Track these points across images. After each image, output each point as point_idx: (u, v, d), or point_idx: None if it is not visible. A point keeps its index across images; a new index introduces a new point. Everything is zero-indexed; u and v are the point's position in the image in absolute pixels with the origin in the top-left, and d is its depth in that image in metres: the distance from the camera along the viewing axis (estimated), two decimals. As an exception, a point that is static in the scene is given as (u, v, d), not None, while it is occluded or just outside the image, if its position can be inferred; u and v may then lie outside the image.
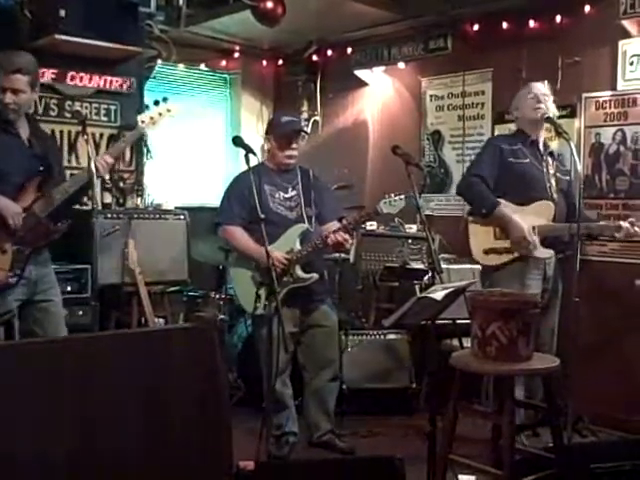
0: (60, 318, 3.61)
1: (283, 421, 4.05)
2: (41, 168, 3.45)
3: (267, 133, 4.18)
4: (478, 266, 4.29)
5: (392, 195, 3.76)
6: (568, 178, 4.28)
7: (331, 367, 4.15)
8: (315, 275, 3.94)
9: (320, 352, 4.10)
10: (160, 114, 3.69)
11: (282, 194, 4.04)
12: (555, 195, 4.09)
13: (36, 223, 3.40)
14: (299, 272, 3.92)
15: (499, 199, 4.01)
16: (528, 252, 3.95)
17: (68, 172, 4.30)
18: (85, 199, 3.84)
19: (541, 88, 4.15)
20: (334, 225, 4.02)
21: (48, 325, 3.53)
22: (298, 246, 3.93)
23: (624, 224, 3.93)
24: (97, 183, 3.58)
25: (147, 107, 3.75)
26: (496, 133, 5.21)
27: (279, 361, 3.69)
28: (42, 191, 3.44)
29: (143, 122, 3.68)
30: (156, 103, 3.71)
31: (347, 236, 3.84)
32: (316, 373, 4.12)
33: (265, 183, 4.01)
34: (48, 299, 3.55)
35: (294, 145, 4.03)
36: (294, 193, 4.06)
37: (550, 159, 4.19)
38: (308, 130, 5.14)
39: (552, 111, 4.10)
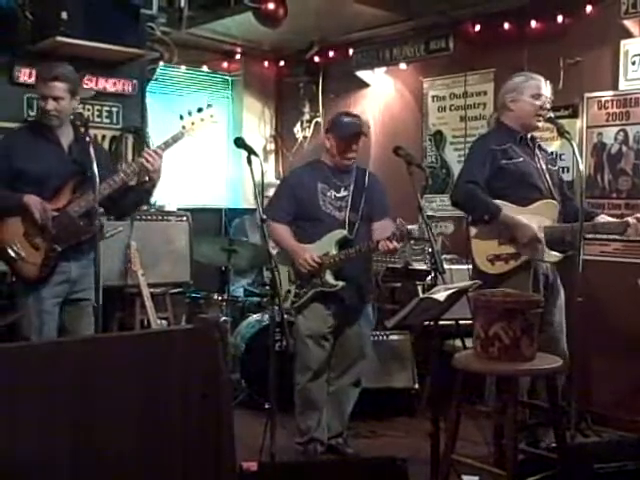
0: (91, 317, 3.66)
1: (313, 424, 4.00)
2: (88, 173, 3.50)
3: (327, 132, 4.13)
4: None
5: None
6: (557, 168, 4.11)
7: (355, 370, 4.10)
8: (341, 283, 3.92)
9: (347, 354, 4.08)
10: (202, 120, 3.79)
11: (334, 193, 4.02)
12: (554, 192, 3.91)
13: (69, 223, 3.55)
14: (329, 277, 3.92)
15: (500, 201, 3.79)
16: (538, 255, 3.76)
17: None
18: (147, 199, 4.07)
19: (545, 87, 3.90)
20: (386, 222, 4.01)
21: (80, 323, 3.67)
22: (334, 251, 3.93)
23: (632, 221, 3.74)
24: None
25: (189, 113, 3.79)
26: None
27: (315, 360, 3.89)
28: (77, 193, 3.59)
29: (184, 127, 3.75)
30: (199, 110, 3.79)
31: (398, 245, 3.80)
32: (340, 375, 4.09)
33: (319, 181, 4.02)
34: (85, 298, 3.68)
35: (354, 147, 4.00)
36: (346, 193, 4.04)
37: (539, 153, 3.99)
38: (310, 134, 4.82)
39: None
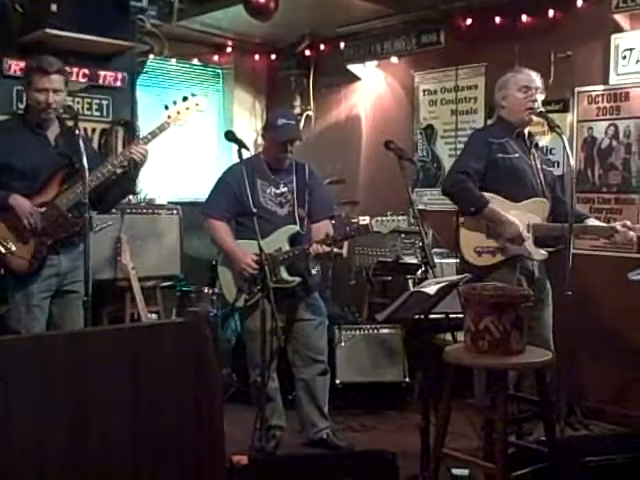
0: (80, 311, 3.63)
1: (269, 413, 4.02)
2: (76, 165, 3.52)
3: (263, 130, 4.13)
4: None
5: (387, 215, 3.78)
6: (552, 169, 4.15)
7: (319, 361, 4.10)
8: (297, 279, 3.94)
9: (307, 346, 4.08)
10: (188, 108, 3.76)
11: (273, 189, 4.02)
12: (546, 191, 3.93)
13: (57, 215, 3.57)
14: (284, 274, 3.92)
15: (490, 195, 3.80)
16: (523, 251, 3.79)
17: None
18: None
19: (535, 81, 3.91)
20: (324, 225, 4.03)
21: (68, 316, 3.67)
22: (287, 247, 3.92)
23: (620, 228, 3.76)
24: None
25: (175, 102, 3.78)
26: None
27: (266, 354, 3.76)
28: (65, 185, 3.60)
29: (170, 117, 3.74)
30: (184, 99, 3.77)
31: (328, 249, 3.83)
32: (304, 368, 4.09)
33: (257, 177, 4.00)
34: (74, 290, 3.66)
35: (289, 148, 3.98)
36: (285, 189, 4.04)
37: (535, 151, 4.01)
38: (301, 128, 4.80)
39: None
